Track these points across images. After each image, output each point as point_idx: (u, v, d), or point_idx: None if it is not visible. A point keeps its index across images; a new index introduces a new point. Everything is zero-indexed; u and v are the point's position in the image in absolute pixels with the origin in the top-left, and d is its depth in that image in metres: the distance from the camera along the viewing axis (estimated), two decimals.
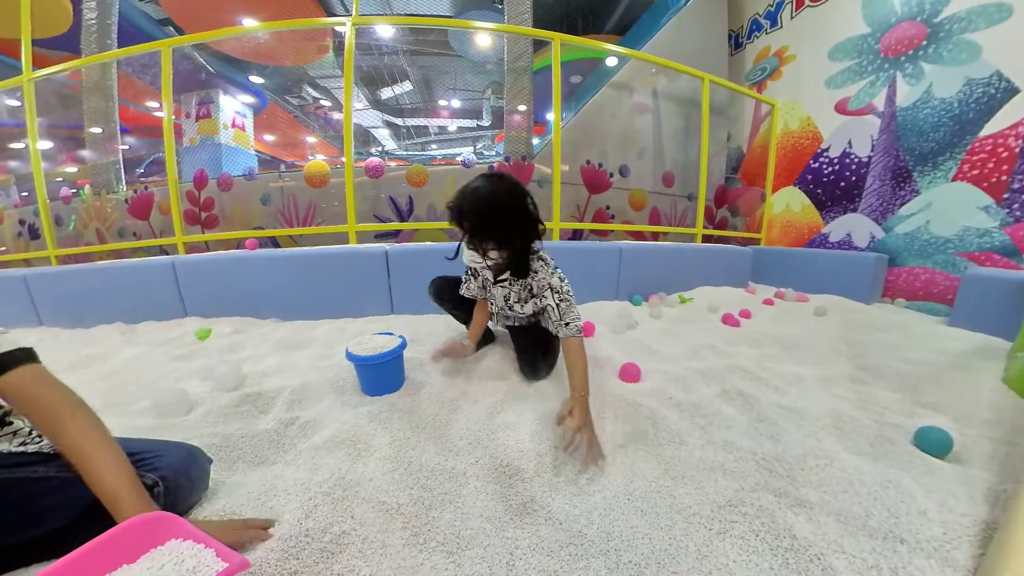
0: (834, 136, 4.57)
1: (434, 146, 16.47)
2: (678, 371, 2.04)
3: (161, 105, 3.61)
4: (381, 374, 1.70)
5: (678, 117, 5.20)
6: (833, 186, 4.59)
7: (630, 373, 1.93)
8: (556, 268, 1.65)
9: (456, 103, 12.60)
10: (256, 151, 9.92)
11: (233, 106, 8.71)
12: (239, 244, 3.89)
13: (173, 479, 0.99)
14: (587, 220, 4.46)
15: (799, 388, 1.94)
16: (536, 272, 1.63)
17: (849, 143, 4.42)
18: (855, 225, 4.40)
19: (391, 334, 1.80)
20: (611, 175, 4.44)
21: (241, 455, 1.35)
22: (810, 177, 4.83)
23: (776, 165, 5.23)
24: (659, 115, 5.14)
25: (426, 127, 14.52)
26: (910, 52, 3.90)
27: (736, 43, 5.77)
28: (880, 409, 1.73)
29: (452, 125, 14.14)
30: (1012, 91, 3.31)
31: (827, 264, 4.26)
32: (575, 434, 1.29)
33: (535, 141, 4.77)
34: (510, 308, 1.87)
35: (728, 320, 3.02)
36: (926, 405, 1.78)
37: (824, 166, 4.66)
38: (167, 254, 3.79)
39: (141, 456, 0.98)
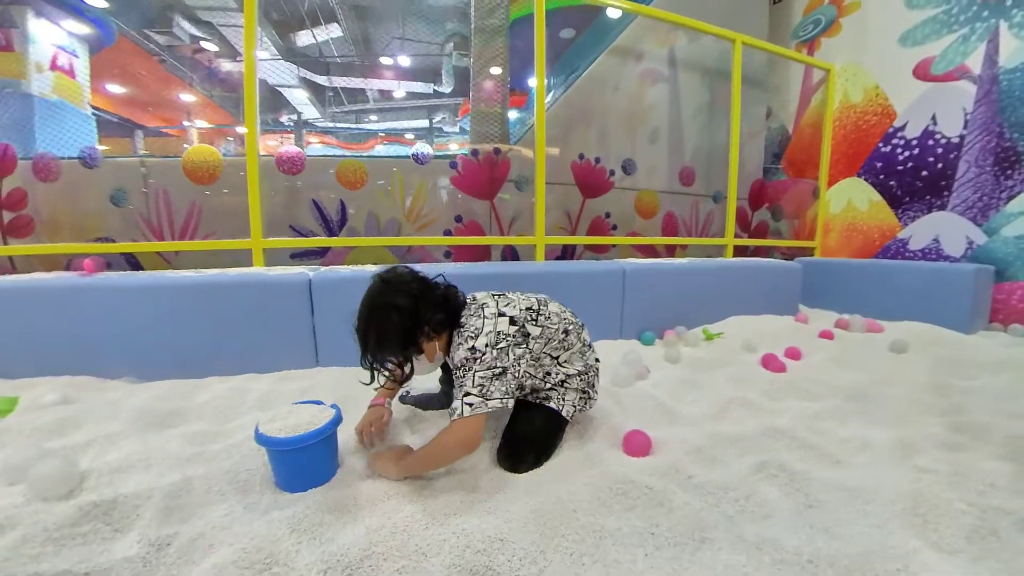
0: (912, 110, 4.64)
1: (373, 117, 16.22)
2: (700, 438, 2.00)
3: None
4: (304, 462, 1.65)
5: (701, 89, 5.27)
6: (912, 176, 4.63)
7: (637, 444, 1.91)
8: (495, 317, 1.78)
9: (405, 60, 12.44)
10: (95, 109, 8.91)
11: (54, 36, 7.55)
12: (69, 263, 3.73)
13: None
14: (581, 232, 4.43)
15: (867, 459, 1.88)
16: (459, 344, 1.75)
17: (933, 119, 4.48)
18: (944, 227, 4.42)
19: (319, 403, 1.79)
20: (611, 173, 4.44)
21: None
22: (880, 165, 4.88)
23: (833, 150, 5.29)
24: (676, 87, 5.19)
25: (363, 91, 14.34)
26: None
27: None
28: (982, 487, 1.66)
29: (399, 90, 13.95)
30: None
31: (908, 280, 4.26)
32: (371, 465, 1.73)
33: (512, 115, 4.75)
34: None
35: (770, 363, 2.96)
36: None
37: (899, 150, 4.72)
38: None
39: None
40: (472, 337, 1.71)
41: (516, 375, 1.74)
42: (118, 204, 3.80)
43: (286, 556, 1.30)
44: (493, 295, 1.92)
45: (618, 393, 2.53)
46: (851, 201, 5.13)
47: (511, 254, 4.33)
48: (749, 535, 1.40)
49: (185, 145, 14.17)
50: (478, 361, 1.67)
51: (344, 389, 2.55)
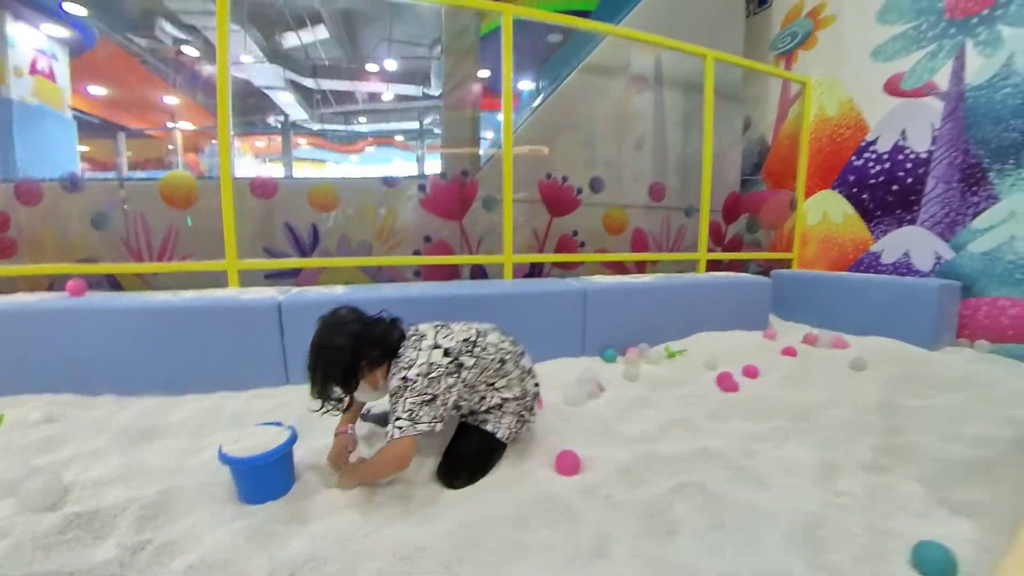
0: (883, 125, 4.76)
1: (363, 119, 16.33)
2: (631, 458, 2.13)
3: None
4: (261, 478, 1.84)
5: (676, 103, 5.38)
6: (883, 190, 4.76)
7: (567, 464, 2.05)
8: (430, 349, 1.99)
9: (392, 64, 12.49)
10: (76, 111, 9.07)
11: (34, 40, 7.57)
12: (52, 284, 3.84)
13: None
14: (548, 250, 4.56)
15: (790, 481, 2.00)
16: (394, 374, 1.97)
17: (903, 134, 4.60)
18: (914, 241, 4.55)
19: (279, 424, 1.99)
20: (579, 191, 4.56)
21: None
22: (853, 178, 5.01)
23: (810, 162, 5.41)
24: (651, 102, 5.31)
25: (352, 93, 14.44)
26: (984, 11, 4.08)
27: None
28: (888, 511, 1.78)
29: (387, 92, 14.08)
30: None
31: (878, 295, 4.37)
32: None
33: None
34: None
35: (724, 382, 3.06)
36: (956, 506, 1.81)
37: (871, 163, 4.85)
38: None
39: None
40: (406, 367, 1.92)
41: (446, 402, 1.93)
42: (100, 228, 3.93)
43: (240, 560, 1.48)
44: (435, 326, 2.13)
45: (567, 412, 2.66)
46: (827, 213, 5.24)
47: (480, 272, 4.45)
48: (647, 552, 1.53)
49: (169, 146, 14.39)
50: (409, 389, 1.88)
51: (312, 406, 2.67)
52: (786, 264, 5.51)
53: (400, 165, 18.45)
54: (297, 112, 15.25)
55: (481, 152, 5.14)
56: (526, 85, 10.02)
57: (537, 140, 4.67)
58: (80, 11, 8.32)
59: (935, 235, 4.37)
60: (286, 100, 14.22)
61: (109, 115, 12.57)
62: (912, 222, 4.53)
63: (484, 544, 1.59)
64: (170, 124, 13.52)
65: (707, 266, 4.92)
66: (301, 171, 19.76)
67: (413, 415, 1.85)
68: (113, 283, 3.91)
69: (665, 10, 5.12)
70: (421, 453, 2.13)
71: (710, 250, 4.94)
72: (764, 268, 5.44)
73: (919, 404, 2.81)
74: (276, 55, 11.80)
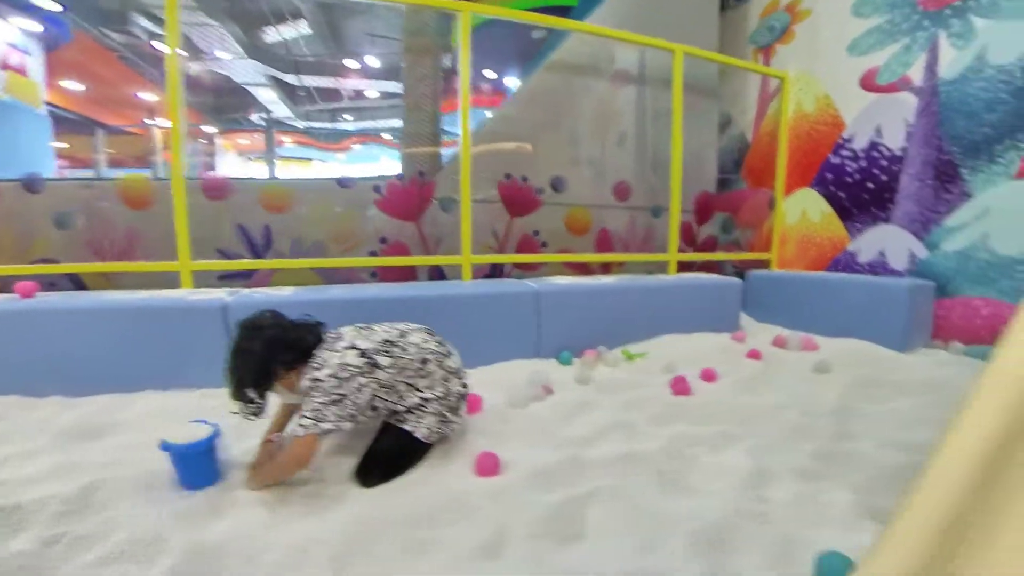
0: (859, 121, 4.77)
1: (348, 116, 16.47)
2: (556, 461, 2.15)
3: None
4: (190, 465, 2.01)
5: (647, 99, 5.38)
6: (860, 188, 4.77)
7: (486, 465, 2.10)
8: (344, 350, 2.07)
9: (374, 61, 12.60)
10: (53, 107, 9.22)
11: (6, 34, 7.57)
12: (2, 286, 3.83)
13: None
14: (510, 249, 4.59)
15: (716, 486, 2.01)
16: (306, 375, 2.05)
17: (878, 130, 4.62)
18: (889, 241, 4.56)
19: (205, 421, 2.09)
20: (540, 191, 4.58)
21: None
22: (830, 176, 5.02)
23: (789, 160, 5.42)
24: (622, 98, 5.31)
25: (337, 91, 14.58)
26: (956, 2, 4.09)
27: None
28: (810, 518, 1.79)
29: (371, 89, 14.19)
30: None
31: (853, 295, 4.36)
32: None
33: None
34: None
35: (677, 385, 3.06)
36: (880, 515, 1.80)
37: (847, 161, 4.85)
38: None
39: None
40: (316, 368, 2.01)
41: (356, 402, 2.01)
42: (64, 228, 3.93)
43: (162, 540, 1.63)
44: (357, 328, 2.21)
45: (508, 414, 2.70)
46: (805, 212, 5.25)
47: (439, 274, 4.47)
48: (540, 555, 1.58)
49: (151, 143, 14.41)
50: (317, 389, 1.96)
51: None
52: (765, 264, 5.52)
53: (388, 164, 18.51)
54: (281, 109, 15.34)
55: (445, 152, 5.15)
56: (513, 81, 10.07)
57: (500, 139, 4.67)
58: (54, 6, 8.42)
59: (909, 233, 4.38)
60: (268, 97, 14.33)
61: (87, 111, 12.61)
62: (887, 220, 4.54)
63: (379, 539, 1.67)
64: (149, 121, 13.55)
65: (680, 268, 4.93)
66: (286, 169, 19.88)
67: (319, 414, 1.92)
68: (77, 283, 3.92)
69: (636, 4, 5.14)
70: (340, 453, 2.23)
71: (681, 251, 4.95)
72: (741, 269, 5.42)
73: (874, 409, 2.83)
74: (256, 51, 11.90)
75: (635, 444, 2.32)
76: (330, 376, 1.97)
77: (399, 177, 4.41)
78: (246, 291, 3.50)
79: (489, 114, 5.93)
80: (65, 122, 12.06)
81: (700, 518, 1.73)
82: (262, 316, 2.10)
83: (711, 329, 4.39)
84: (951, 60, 4.09)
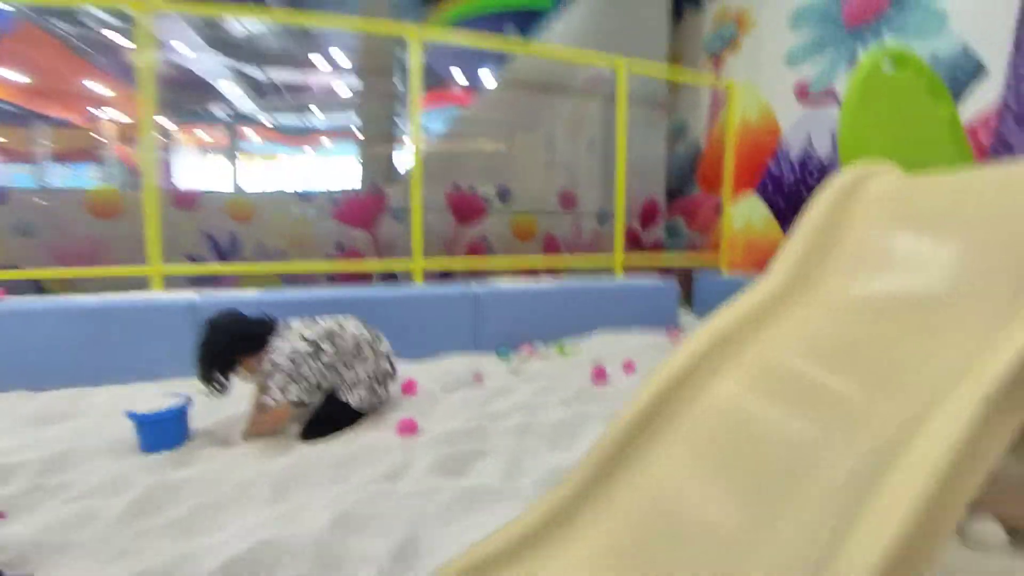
0: (794, 130, 5.40)
1: (313, 107, 16.69)
2: (464, 428, 2.77)
3: None
4: (156, 431, 2.53)
5: (596, 110, 5.97)
6: (795, 196, 5.37)
7: (406, 426, 2.78)
8: (294, 339, 2.72)
9: (342, 55, 12.75)
10: None
11: None
12: None
13: None
14: (458, 254, 5.15)
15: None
16: (265, 360, 2.69)
17: (809, 139, 5.24)
18: None
19: (180, 394, 2.68)
20: (486, 199, 5.15)
21: None
22: (771, 185, 5.64)
23: (737, 167, 5.99)
24: (571, 111, 5.89)
25: (304, 86, 14.89)
26: (872, 22, 4.71)
27: None
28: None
29: (340, 83, 14.47)
30: (979, 72, 4.01)
31: None
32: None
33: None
34: None
35: (597, 376, 3.67)
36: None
37: (784, 170, 5.48)
38: None
39: None
40: (272, 353, 2.67)
41: (308, 379, 2.69)
42: (26, 234, 4.41)
43: (128, 483, 2.15)
44: (303, 320, 2.87)
45: (438, 396, 3.28)
46: (750, 218, 5.84)
47: (393, 279, 5.04)
48: (431, 480, 2.23)
49: (98, 138, 14.35)
50: (278, 370, 2.63)
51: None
52: (715, 267, 6.07)
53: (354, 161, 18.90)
54: (245, 104, 15.69)
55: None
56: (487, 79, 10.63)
57: (452, 149, 5.24)
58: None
59: None
60: (233, 91, 14.69)
61: (28, 103, 12.77)
62: None
63: (311, 474, 2.28)
64: (98, 113, 13.93)
65: (630, 271, 5.44)
66: (250, 164, 20.20)
67: (284, 390, 2.60)
68: (40, 291, 4.36)
69: (591, 14, 5.73)
70: (291, 421, 2.81)
71: (628, 252, 5.48)
72: (686, 272, 5.98)
73: None
74: (219, 43, 12.17)
75: (537, 418, 2.88)
76: (285, 359, 2.62)
77: (354, 191, 5.03)
78: (213, 292, 3.99)
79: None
80: (4, 114, 12.60)
81: (562, 468, 2.29)
82: (224, 314, 2.72)
83: (647, 327, 4.97)
84: None
